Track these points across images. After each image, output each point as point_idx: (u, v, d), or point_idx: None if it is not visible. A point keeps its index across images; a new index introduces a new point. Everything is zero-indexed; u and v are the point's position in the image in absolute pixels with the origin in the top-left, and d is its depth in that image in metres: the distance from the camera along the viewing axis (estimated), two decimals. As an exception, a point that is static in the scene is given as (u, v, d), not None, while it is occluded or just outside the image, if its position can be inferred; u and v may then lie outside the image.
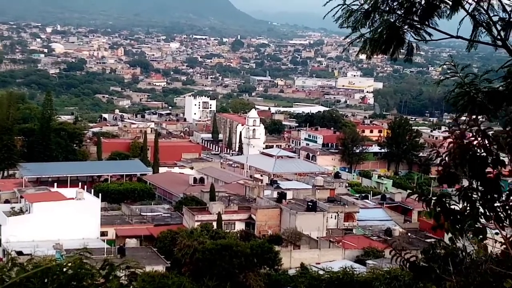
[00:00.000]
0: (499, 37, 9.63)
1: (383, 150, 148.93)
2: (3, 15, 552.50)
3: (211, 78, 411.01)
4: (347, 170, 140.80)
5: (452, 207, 8.57)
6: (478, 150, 8.38)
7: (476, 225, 8.54)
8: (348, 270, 56.37)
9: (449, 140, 8.55)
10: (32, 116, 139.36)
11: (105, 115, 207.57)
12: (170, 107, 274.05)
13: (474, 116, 8.64)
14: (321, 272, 58.24)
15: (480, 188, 8.44)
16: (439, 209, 8.58)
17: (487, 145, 8.39)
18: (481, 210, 8.49)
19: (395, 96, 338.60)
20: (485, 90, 9.17)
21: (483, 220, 8.57)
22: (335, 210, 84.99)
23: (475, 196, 8.47)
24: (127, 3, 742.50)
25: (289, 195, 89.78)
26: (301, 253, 71.47)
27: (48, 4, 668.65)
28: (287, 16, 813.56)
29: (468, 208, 8.49)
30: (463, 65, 9.39)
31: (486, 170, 8.42)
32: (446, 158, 8.52)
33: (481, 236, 8.57)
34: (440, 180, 8.81)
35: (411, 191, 9.18)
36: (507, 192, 8.51)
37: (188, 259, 61.91)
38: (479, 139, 8.37)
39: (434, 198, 8.63)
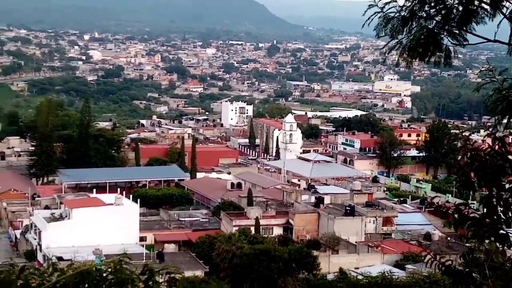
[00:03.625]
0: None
1: (421, 154, 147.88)
2: (41, 24, 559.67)
3: (248, 83, 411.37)
4: (385, 174, 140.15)
5: (472, 215, 8.51)
6: (495, 158, 8.33)
7: (499, 232, 8.47)
8: (387, 274, 56.05)
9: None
10: (71, 122, 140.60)
11: (143, 121, 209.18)
12: (207, 113, 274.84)
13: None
14: (360, 277, 57.99)
15: (501, 195, 8.38)
16: (457, 218, 8.53)
17: (504, 152, 8.33)
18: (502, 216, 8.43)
19: (433, 100, 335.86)
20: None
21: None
22: (374, 214, 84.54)
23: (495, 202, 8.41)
24: (163, 10, 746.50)
25: (327, 200, 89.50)
26: (339, 258, 71.13)
27: (85, 12, 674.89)
28: (322, 20, 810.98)
29: (488, 215, 8.43)
30: (501, 69, 9.30)
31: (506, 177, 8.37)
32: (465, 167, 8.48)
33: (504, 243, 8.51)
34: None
35: (428, 202, 9.20)
36: None
37: (226, 264, 61.97)
38: (496, 147, 8.32)
39: (451, 209, 8.60)
